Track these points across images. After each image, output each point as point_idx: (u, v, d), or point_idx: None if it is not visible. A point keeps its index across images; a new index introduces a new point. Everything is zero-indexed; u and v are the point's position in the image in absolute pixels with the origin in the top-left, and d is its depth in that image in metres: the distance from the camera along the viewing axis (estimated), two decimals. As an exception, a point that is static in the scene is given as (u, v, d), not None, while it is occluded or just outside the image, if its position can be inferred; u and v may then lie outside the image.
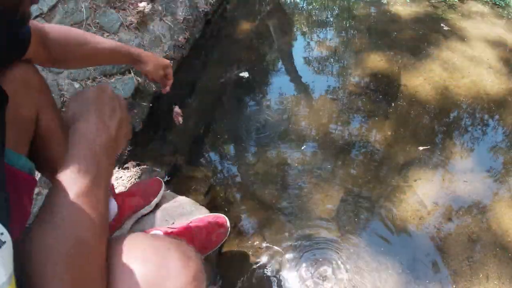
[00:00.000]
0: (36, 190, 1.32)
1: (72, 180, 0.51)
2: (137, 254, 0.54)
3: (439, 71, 2.32)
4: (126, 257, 0.53)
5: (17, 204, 0.67)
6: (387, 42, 2.59)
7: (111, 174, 0.61)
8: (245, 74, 2.25)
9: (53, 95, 0.92)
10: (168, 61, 1.15)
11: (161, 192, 1.36)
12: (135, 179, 1.54)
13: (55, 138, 0.87)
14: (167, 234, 1.08)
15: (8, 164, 0.69)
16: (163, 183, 1.38)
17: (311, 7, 3.25)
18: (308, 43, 2.71)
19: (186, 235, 1.13)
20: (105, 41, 0.99)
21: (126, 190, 1.41)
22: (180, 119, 1.54)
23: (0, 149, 0.66)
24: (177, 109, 1.55)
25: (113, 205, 1.16)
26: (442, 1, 3.13)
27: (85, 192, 0.50)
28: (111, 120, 0.60)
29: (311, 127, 1.94)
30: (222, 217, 1.25)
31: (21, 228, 0.73)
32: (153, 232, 1.09)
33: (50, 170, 0.92)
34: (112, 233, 1.16)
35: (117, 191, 1.34)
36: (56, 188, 0.51)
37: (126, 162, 1.66)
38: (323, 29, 2.88)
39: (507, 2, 3.12)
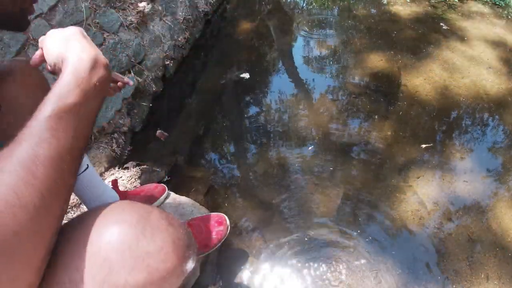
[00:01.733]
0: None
1: (45, 103, 0.50)
2: (114, 216, 0.53)
3: (439, 71, 2.32)
4: (101, 219, 0.52)
5: None
6: (387, 42, 2.59)
7: (98, 100, 0.57)
8: (246, 75, 2.25)
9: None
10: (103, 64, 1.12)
11: (164, 195, 1.37)
12: (135, 179, 1.54)
13: None
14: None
15: None
16: (166, 189, 1.39)
17: (311, 7, 3.25)
18: (308, 43, 2.71)
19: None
20: None
21: (131, 189, 1.42)
22: (164, 136, 1.68)
23: None
24: (159, 132, 1.72)
25: (116, 198, 1.17)
26: (442, 1, 3.13)
27: (51, 115, 0.49)
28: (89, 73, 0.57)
29: (311, 127, 1.94)
30: (221, 216, 1.26)
31: None
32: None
33: None
34: None
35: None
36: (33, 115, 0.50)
37: (126, 162, 1.66)
38: (323, 29, 2.88)
39: (507, 2, 3.12)
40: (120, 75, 1.11)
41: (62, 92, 0.51)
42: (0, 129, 0.74)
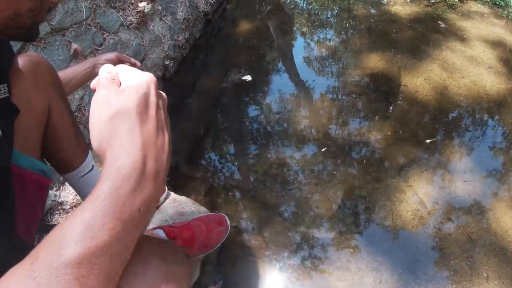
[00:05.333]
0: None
1: (73, 239, 0.38)
2: None
3: (439, 71, 2.32)
4: None
5: (23, 204, 0.67)
6: (387, 42, 2.59)
7: (142, 226, 0.44)
8: (247, 77, 2.24)
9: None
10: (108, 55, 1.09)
11: (164, 195, 1.37)
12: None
13: (65, 130, 0.87)
14: (168, 232, 1.09)
15: (16, 165, 0.69)
16: (166, 189, 1.39)
17: (311, 7, 3.25)
18: (308, 43, 2.71)
19: (187, 234, 1.13)
20: (70, 73, 1.02)
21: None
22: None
23: (8, 158, 0.66)
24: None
25: None
26: (442, 1, 3.13)
27: (81, 262, 0.38)
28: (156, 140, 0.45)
29: (311, 127, 1.94)
30: (222, 216, 1.26)
31: (29, 228, 0.73)
32: (155, 231, 1.09)
33: (63, 166, 0.93)
34: None
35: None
36: (46, 242, 0.40)
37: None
38: (323, 29, 2.88)
39: (507, 2, 3.12)
40: (127, 56, 1.11)
41: (95, 225, 0.39)
42: (16, 134, 0.70)
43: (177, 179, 1.65)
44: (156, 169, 0.43)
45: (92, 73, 1.05)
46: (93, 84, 0.47)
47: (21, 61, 0.77)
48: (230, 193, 1.61)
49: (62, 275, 0.37)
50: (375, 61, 2.41)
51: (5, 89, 0.66)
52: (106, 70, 0.47)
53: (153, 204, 0.44)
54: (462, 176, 1.70)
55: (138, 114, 0.43)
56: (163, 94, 0.48)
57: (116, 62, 1.08)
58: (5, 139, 0.65)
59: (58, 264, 0.37)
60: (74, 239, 0.38)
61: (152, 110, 0.45)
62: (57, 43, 1.54)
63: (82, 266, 0.38)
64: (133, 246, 0.44)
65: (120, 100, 0.43)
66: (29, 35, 0.61)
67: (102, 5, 1.84)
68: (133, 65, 1.10)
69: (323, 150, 1.80)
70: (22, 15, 0.54)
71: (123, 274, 0.44)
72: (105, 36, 1.80)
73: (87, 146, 0.97)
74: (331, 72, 2.39)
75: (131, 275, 0.46)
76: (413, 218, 1.52)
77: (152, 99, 0.46)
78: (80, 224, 0.39)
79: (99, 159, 0.44)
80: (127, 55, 1.80)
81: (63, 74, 1.01)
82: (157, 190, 0.44)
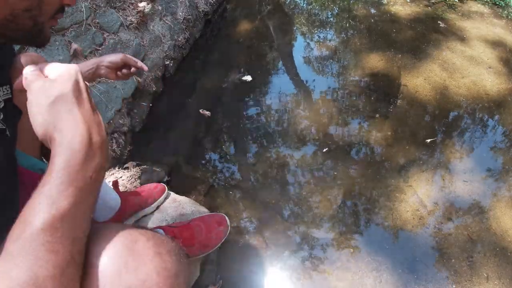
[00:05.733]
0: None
1: (36, 210, 0.44)
2: (96, 247, 0.50)
3: (439, 71, 2.32)
4: (89, 253, 0.50)
5: (23, 203, 0.67)
6: (387, 42, 2.59)
7: (95, 191, 0.51)
8: (248, 78, 2.24)
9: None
10: (116, 56, 1.02)
11: (164, 195, 1.37)
12: (135, 179, 1.54)
13: None
14: (168, 232, 1.09)
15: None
16: (166, 188, 1.39)
17: (311, 7, 3.25)
18: (308, 43, 2.71)
19: (187, 234, 1.13)
20: None
21: (131, 190, 1.42)
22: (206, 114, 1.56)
23: (13, 162, 0.66)
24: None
25: (116, 199, 1.16)
26: (442, 1, 3.13)
27: (44, 228, 0.43)
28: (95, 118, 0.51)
29: (311, 127, 1.94)
30: (222, 216, 1.26)
31: None
32: (155, 230, 1.09)
33: None
34: None
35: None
36: (17, 220, 0.44)
37: (126, 162, 1.66)
38: (323, 29, 2.88)
39: (507, 2, 3.12)
40: (134, 58, 1.04)
41: (53, 195, 0.44)
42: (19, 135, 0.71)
43: (177, 179, 1.65)
44: (100, 141, 0.50)
45: (95, 74, 1.02)
46: (18, 84, 0.52)
47: (21, 61, 0.77)
48: (230, 193, 1.61)
49: (29, 242, 0.42)
50: (375, 61, 2.41)
51: (7, 90, 0.66)
52: (29, 69, 0.51)
53: (102, 172, 0.50)
54: (462, 176, 1.70)
55: (75, 97, 0.49)
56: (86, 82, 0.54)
57: (121, 65, 1.03)
58: (12, 141, 0.65)
59: (25, 235, 0.42)
60: (36, 209, 0.44)
61: (84, 94, 0.51)
62: (57, 43, 1.54)
63: (46, 231, 0.43)
64: (91, 212, 0.49)
65: (56, 88, 0.49)
66: (34, 39, 0.60)
67: (102, 5, 1.84)
68: (140, 68, 1.06)
69: (324, 150, 1.80)
70: (19, 15, 0.54)
71: (115, 267, 0.48)
72: (105, 36, 1.80)
73: None
74: (331, 72, 2.39)
75: (122, 269, 0.48)
76: (413, 218, 1.52)
77: (82, 84, 0.51)
78: (41, 196, 0.44)
79: (47, 145, 0.49)
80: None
81: None
82: (105, 159, 0.50)
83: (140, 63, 1.05)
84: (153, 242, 0.53)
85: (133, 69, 1.05)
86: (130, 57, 1.05)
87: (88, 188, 0.47)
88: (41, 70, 0.52)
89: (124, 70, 1.05)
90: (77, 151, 0.47)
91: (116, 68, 1.03)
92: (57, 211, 0.44)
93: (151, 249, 0.52)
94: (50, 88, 0.49)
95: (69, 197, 0.45)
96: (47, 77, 0.51)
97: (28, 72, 0.51)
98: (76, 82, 0.51)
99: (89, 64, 1.02)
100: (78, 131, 0.48)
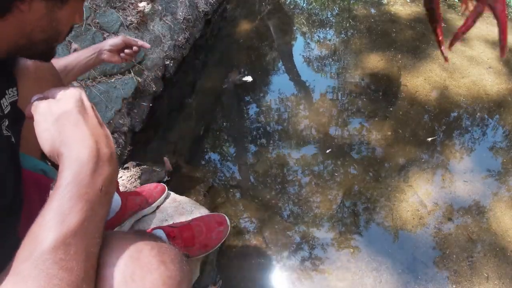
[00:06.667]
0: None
1: (47, 227, 0.42)
2: (102, 258, 0.50)
3: (439, 71, 2.32)
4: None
5: (25, 204, 0.67)
6: (387, 42, 2.59)
7: (106, 204, 0.50)
8: (248, 78, 2.24)
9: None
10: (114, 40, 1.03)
11: (164, 195, 1.37)
12: (135, 179, 1.54)
13: None
14: (168, 232, 1.09)
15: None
16: (166, 188, 1.39)
17: (311, 7, 3.25)
18: (308, 43, 2.71)
19: (187, 234, 1.13)
20: (72, 60, 0.99)
21: (131, 190, 1.42)
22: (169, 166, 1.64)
23: (18, 168, 0.66)
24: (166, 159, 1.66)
25: (117, 200, 1.17)
26: (442, 1, 3.13)
27: (57, 246, 0.41)
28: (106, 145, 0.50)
29: (311, 127, 1.94)
30: (222, 216, 1.26)
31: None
32: (155, 231, 1.09)
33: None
34: (112, 228, 1.17)
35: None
36: (25, 239, 0.43)
37: (126, 162, 1.66)
38: (323, 29, 2.88)
39: (507, 2, 3.12)
40: (133, 39, 1.06)
41: (64, 210, 0.43)
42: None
43: (177, 179, 1.65)
44: (109, 153, 0.49)
45: (97, 60, 1.02)
46: (28, 111, 0.53)
47: (24, 61, 0.77)
48: (230, 193, 1.61)
49: (42, 262, 0.40)
50: (375, 61, 2.41)
51: (14, 93, 0.66)
52: (36, 96, 0.54)
53: (112, 184, 0.49)
54: (462, 176, 1.70)
55: (79, 112, 0.50)
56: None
57: (122, 46, 1.04)
58: (17, 145, 0.65)
59: (36, 254, 0.40)
60: (47, 227, 0.42)
61: (90, 111, 0.52)
62: (57, 43, 1.54)
63: (59, 250, 0.41)
64: (102, 225, 0.47)
65: (60, 106, 0.50)
66: (44, 57, 0.62)
67: (102, 5, 1.84)
68: (141, 46, 1.06)
69: (328, 151, 1.80)
70: (37, 44, 0.56)
71: (121, 278, 0.47)
72: (105, 36, 1.80)
73: None
74: (331, 72, 2.39)
75: (129, 280, 0.48)
76: (413, 218, 1.52)
77: (87, 103, 0.52)
78: (50, 213, 0.43)
79: (55, 161, 0.49)
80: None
81: (66, 61, 0.98)
82: (114, 171, 0.49)
83: (140, 42, 1.07)
84: (156, 251, 0.53)
85: (135, 48, 1.07)
86: (130, 38, 1.06)
87: (98, 201, 0.46)
88: (47, 95, 0.53)
89: (127, 50, 1.06)
90: (85, 163, 0.46)
91: (118, 50, 1.04)
92: (69, 228, 0.42)
93: (156, 258, 0.52)
94: (55, 106, 0.50)
95: (80, 211, 0.44)
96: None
97: (35, 98, 0.53)
98: (80, 100, 0.51)
99: (90, 50, 1.03)
100: (85, 143, 0.47)
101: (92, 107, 0.53)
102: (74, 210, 0.43)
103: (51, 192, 0.45)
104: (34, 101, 0.53)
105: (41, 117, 0.50)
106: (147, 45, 1.08)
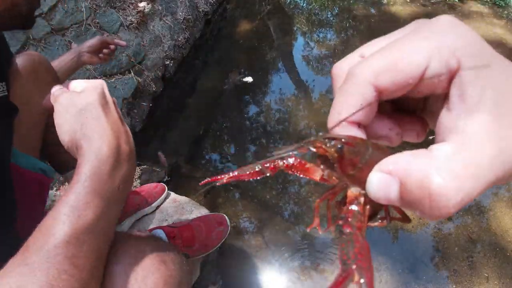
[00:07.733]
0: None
1: (61, 221, 0.41)
2: (110, 257, 0.50)
3: (439, 71, 2.33)
4: None
5: (24, 203, 0.67)
6: (387, 42, 2.59)
7: (122, 202, 0.49)
8: (248, 79, 2.24)
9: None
10: (92, 41, 1.06)
11: (164, 195, 1.37)
12: (135, 179, 1.54)
13: None
14: (168, 232, 1.09)
15: (16, 165, 0.69)
16: (166, 188, 1.39)
17: (311, 7, 3.25)
18: (308, 43, 2.71)
19: (187, 234, 1.13)
20: (57, 64, 1.00)
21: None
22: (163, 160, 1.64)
23: (7, 156, 0.66)
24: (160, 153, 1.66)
25: None
26: (442, 1, 3.13)
27: (70, 240, 0.41)
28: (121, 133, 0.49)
29: (311, 127, 1.94)
30: (222, 216, 1.26)
31: (30, 228, 0.73)
32: (155, 231, 1.09)
33: (63, 166, 0.93)
34: None
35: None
36: (37, 231, 0.42)
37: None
38: (323, 29, 2.88)
39: (507, 2, 3.12)
40: (109, 38, 1.10)
41: (79, 205, 0.42)
42: (16, 133, 0.71)
43: (177, 179, 1.65)
44: (129, 150, 0.48)
45: (79, 62, 1.04)
46: (47, 101, 0.52)
47: (22, 60, 0.77)
48: (230, 193, 1.61)
49: (54, 256, 0.39)
50: (375, 61, 2.41)
51: (3, 88, 0.66)
52: (56, 87, 0.52)
53: (129, 182, 0.48)
54: (462, 176, 1.70)
55: (101, 106, 0.48)
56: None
57: (100, 47, 1.06)
58: (6, 139, 0.65)
59: (48, 247, 0.40)
60: (61, 220, 0.41)
61: (111, 105, 0.50)
62: (57, 43, 1.54)
63: (71, 244, 0.40)
64: (115, 223, 0.47)
65: (83, 98, 0.48)
66: (26, 23, 0.63)
67: (102, 5, 1.84)
68: (117, 44, 1.09)
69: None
70: (20, 4, 0.57)
71: (124, 278, 0.48)
72: (105, 36, 1.80)
73: None
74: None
75: (132, 280, 0.48)
76: (413, 218, 1.52)
77: (109, 96, 0.51)
78: (66, 206, 0.42)
79: (73, 154, 0.48)
80: (126, 55, 1.81)
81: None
82: (132, 168, 0.49)
83: (116, 40, 1.10)
84: (157, 251, 0.53)
85: (112, 46, 1.09)
86: (106, 37, 1.10)
87: (115, 198, 0.45)
88: (67, 87, 0.52)
89: (105, 50, 1.08)
90: (105, 159, 0.45)
91: (96, 51, 1.06)
92: (84, 223, 0.42)
93: (157, 258, 0.52)
94: (77, 99, 0.48)
95: (96, 208, 0.43)
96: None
97: (56, 88, 0.51)
98: (103, 93, 0.50)
99: (71, 53, 1.05)
100: (107, 138, 0.46)
101: (114, 102, 0.52)
102: (90, 206, 0.43)
103: (68, 185, 0.45)
104: (56, 89, 0.51)
105: (62, 108, 0.48)
106: (123, 43, 1.11)
